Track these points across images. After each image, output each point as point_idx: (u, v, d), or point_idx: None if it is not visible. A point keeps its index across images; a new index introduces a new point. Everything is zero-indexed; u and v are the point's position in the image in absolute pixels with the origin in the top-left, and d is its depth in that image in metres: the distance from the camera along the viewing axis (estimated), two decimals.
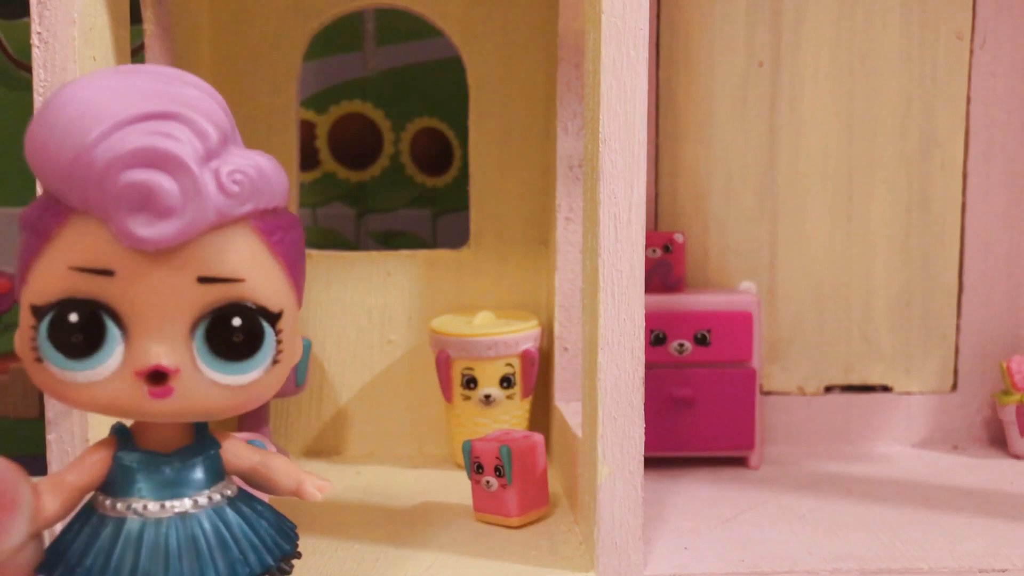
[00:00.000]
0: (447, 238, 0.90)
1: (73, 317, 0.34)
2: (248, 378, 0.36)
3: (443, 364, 0.67)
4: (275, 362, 0.36)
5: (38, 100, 0.48)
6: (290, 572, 0.39)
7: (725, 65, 0.73)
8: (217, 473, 0.38)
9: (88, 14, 0.49)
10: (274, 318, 0.36)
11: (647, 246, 0.66)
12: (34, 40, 0.48)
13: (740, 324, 0.67)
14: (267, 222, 0.36)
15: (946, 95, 0.74)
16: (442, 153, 0.90)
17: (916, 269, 0.75)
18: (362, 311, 0.72)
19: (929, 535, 0.56)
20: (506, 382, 0.67)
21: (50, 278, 0.34)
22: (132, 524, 0.36)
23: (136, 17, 0.57)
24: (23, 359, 0.35)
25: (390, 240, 0.90)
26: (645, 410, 0.50)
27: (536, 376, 0.69)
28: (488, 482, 0.57)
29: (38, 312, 0.34)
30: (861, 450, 0.73)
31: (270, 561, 0.38)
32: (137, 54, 0.67)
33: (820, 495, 0.63)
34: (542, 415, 0.72)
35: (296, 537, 0.40)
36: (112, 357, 0.35)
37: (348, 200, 0.90)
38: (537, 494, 0.58)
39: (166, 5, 0.65)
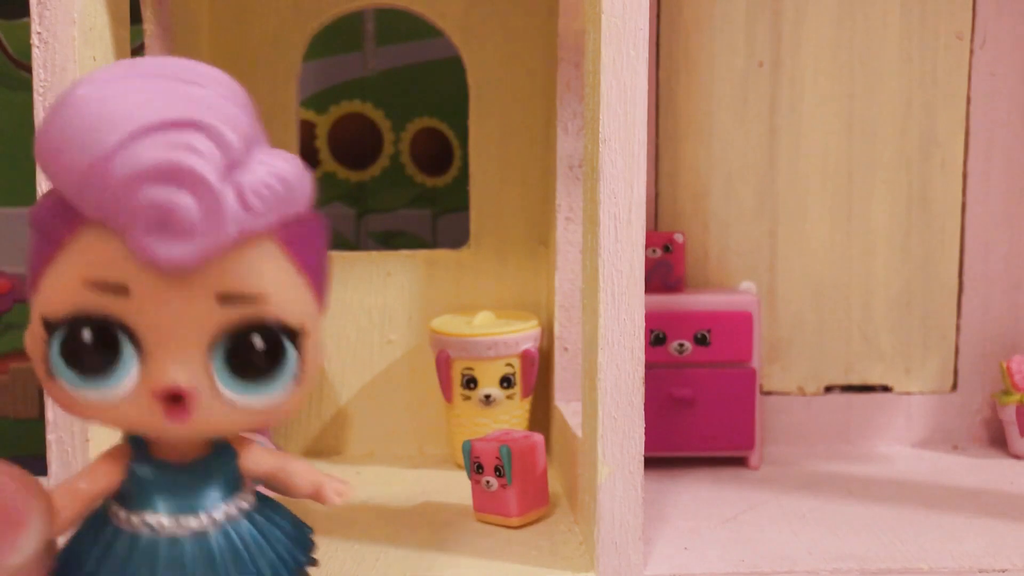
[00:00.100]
0: (447, 238, 0.90)
1: (86, 335, 0.33)
2: (268, 399, 0.34)
3: (443, 364, 0.67)
4: (298, 381, 0.35)
5: (38, 100, 0.48)
6: None
7: (725, 65, 0.73)
8: (234, 484, 0.37)
9: (88, 14, 0.49)
10: (296, 335, 0.34)
11: (647, 246, 0.66)
12: (34, 40, 0.48)
13: (740, 324, 0.67)
14: (290, 231, 0.34)
15: (946, 95, 0.74)
16: (442, 153, 0.90)
17: (916, 269, 0.75)
18: (362, 311, 0.72)
19: (929, 535, 0.56)
20: (506, 382, 0.67)
21: (62, 291, 0.33)
22: (147, 539, 0.35)
23: (136, 17, 0.57)
24: (36, 371, 0.34)
25: (390, 240, 0.90)
26: (645, 410, 0.50)
27: (536, 376, 0.69)
28: (488, 482, 0.57)
29: (50, 326, 0.33)
30: (861, 450, 0.73)
31: (286, 575, 0.37)
32: (137, 54, 0.66)
33: (820, 495, 0.63)
34: (542, 415, 0.72)
35: (312, 544, 0.39)
36: (127, 377, 0.33)
37: (348, 200, 0.90)
38: (537, 494, 0.58)
39: (166, 5, 0.65)
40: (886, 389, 0.75)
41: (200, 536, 0.36)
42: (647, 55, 0.49)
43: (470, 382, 0.67)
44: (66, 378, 0.33)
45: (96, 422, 0.35)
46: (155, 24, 0.64)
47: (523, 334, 0.67)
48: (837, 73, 0.73)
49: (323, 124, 0.89)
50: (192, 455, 0.36)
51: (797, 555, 0.53)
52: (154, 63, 0.33)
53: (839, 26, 0.73)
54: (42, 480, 0.35)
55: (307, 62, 0.81)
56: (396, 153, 0.90)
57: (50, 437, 0.49)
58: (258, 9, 0.71)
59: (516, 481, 0.56)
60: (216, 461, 0.37)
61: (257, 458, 0.38)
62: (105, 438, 0.51)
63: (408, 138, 0.90)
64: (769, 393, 0.74)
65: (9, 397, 0.85)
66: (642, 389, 0.50)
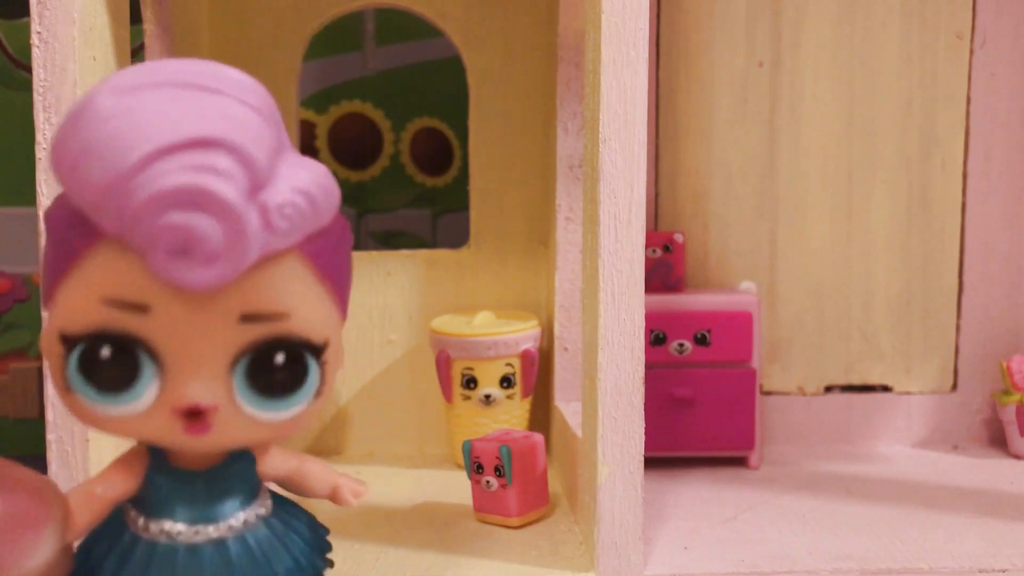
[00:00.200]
0: (447, 238, 0.90)
1: (105, 352, 0.32)
2: (289, 414, 0.34)
3: (443, 364, 0.67)
4: (318, 393, 0.34)
5: (38, 100, 0.48)
6: None
7: (725, 65, 0.73)
8: (252, 490, 0.37)
9: (88, 14, 0.49)
10: (319, 350, 0.34)
11: (647, 246, 0.66)
12: (34, 40, 0.48)
13: (740, 324, 0.67)
14: (316, 245, 0.33)
15: (946, 95, 0.74)
16: (442, 153, 0.90)
17: (916, 269, 0.75)
18: (362, 311, 0.72)
19: (929, 535, 0.56)
20: (506, 382, 0.67)
21: (81, 307, 0.32)
22: (164, 548, 0.35)
23: (136, 17, 0.57)
24: (53, 382, 0.34)
25: (390, 240, 0.90)
26: (645, 410, 0.50)
27: (536, 376, 0.69)
28: (488, 482, 0.57)
29: (67, 342, 0.32)
30: (861, 450, 0.73)
31: None
32: (137, 54, 0.67)
33: (820, 495, 0.63)
34: (542, 415, 0.72)
35: (329, 547, 0.39)
36: (147, 394, 0.33)
37: (348, 200, 0.89)
38: (537, 494, 0.58)
39: (166, 5, 0.65)
40: (886, 389, 0.75)
41: (218, 544, 0.35)
42: (647, 55, 0.49)
43: (470, 382, 0.67)
44: (84, 393, 0.33)
45: (113, 434, 0.34)
46: (155, 24, 0.64)
47: (523, 334, 0.67)
48: (837, 73, 0.73)
49: (323, 124, 0.89)
50: (210, 462, 0.36)
51: (797, 555, 0.53)
52: (175, 67, 0.32)
53: (839, 26, 0.73)
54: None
55: (307, 62, 0.81)
56: (396, 153, 0.90)
57: (50, 437, 0.49)
58: (258, 9, 0.71)
59: (516, 481, 0.56)
60: (234, 468, 0.36)
61: (275, 462, 0.38)
62: (105, 440, 0.51)
63: (408, 138, 0.90)
64: (769, 393, 0.74)
65: (9, 397, 0.85)
66: (642, 389, 0.50)
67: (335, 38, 0.87)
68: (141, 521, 0.36)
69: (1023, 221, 0.75)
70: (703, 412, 0.68)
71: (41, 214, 0.48)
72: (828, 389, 0.75)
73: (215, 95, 0.31)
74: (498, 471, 0.56)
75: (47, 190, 0.48)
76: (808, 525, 0.57)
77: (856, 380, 0.75)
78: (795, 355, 0.75)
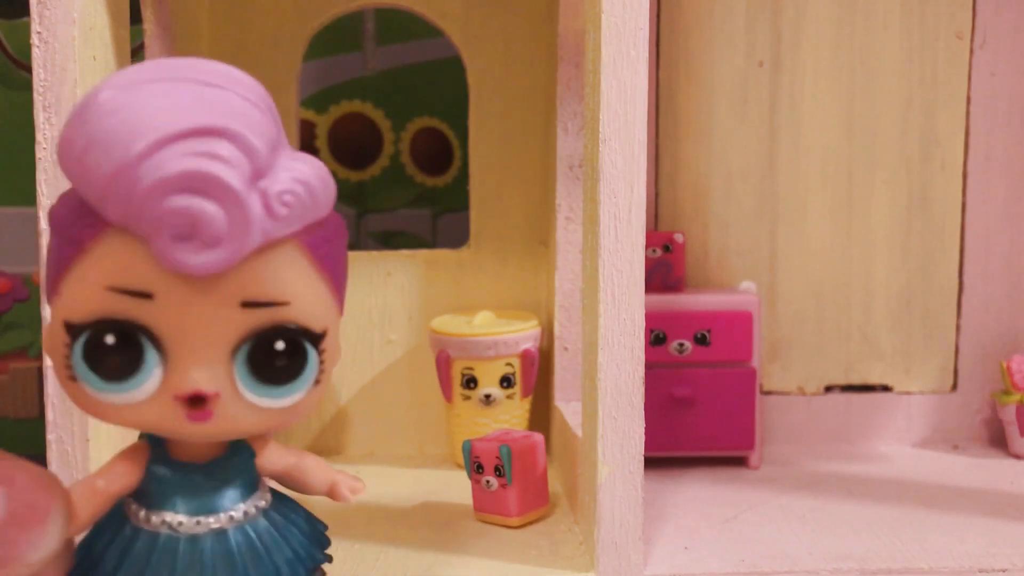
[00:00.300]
0: (447, 238, 0.90)
1: (110, 339, 0.33)
2: (289, 401, 0.35)
3: (443, 364, 0.67)
4: (317, 382, 0.35)
5: (38, 100, 0.48)
6: None
7: (725, 65, 0.73)
8: (252, 483, 0.38)
9: (88, 14, 0.49)
10: (318, 338, 0.34)
11: (647, 246, 0.66)
12: (34, 40, 0.48)
13: (740, 324, 0.67)
14: (314, 236, 0.34)
15: (946, 95, 0.74)
16: (442, 153, 0.90)
17: (916, 269, 0.75)
18: (362, 311, 0.72)
19: (929, 535, 0.56)
20: (506, 382, 0.67)
21: (85, 296, 0.33)
22: (166, 539, 0.35)
23: (136, 17, 0.57)
24: (56, 373, 0.34)
25: (390, 240, 0.90)
26: (645, 410, 0.50)
27: (536, 376, 0.69)
28: (488, 482, 0.57)
29: (72, 330, 0.33)
30: (861, 450, 0.73)
31: (303, 573, 0.37)
32: (137, 54, 0.67)
33: (820, 495, 0.63)
34: (542, 415, 0.72)
35: (328, 542, 0.40)
36: (150, 380, 0.33)
37: (348, 200, 0.90)
38: (537, 494, 0.58)
39: (166, 5, 0.65)
40: (886, 389, 0.75)
41: (219, 535, 0.36)
42: (647, 55, 0.49)
43: (470, 382, 0.67)
44: (88, 381, 0.33)
45: (116, 423, 0.35)
46: (155, 24, 0.64)
47: (523, 334, 0.67)
48: (837, 73, 0.73)
49: (323, 124, 0.89)
50: (210, 455, 0.37)
51: (797, 555, 0.53)
52: (177, 65, 0.33)
53: (839, 26, 0.73)
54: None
55: (307, 62, 0.81)
56: (396, 153, 0.90)
57: (50, 437, 0.49)
58: (258, 9, 0.71)
59: (516, 481, 0.56)
60: (234, 461, 0.37)
61: (274, 457, 0.38)
62: (105, 439, 0.51)
63: (408, 138, 0.90)
64: (769, 393, 0.74)
65: (9, 397, 0.85)
66: (642, 389, 0.50)
67: (335, 38, 0.87)
68: (142, 513, 0.36)
69: (1023, 221, 0.75)
70: (703, 412, 0.68)
71: (41, 214, 0.48)
72: (828, 389, 0.75)
73: (216, 89, 0.32)
74: (498, 471, 0.56)
75: (47, 190, 0.48)
76: (808, 525, 0.57)
77: (856, 380, 0.75)
78: (795, 355, 0.75)
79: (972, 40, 0.73)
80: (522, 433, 0.58)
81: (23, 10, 0.84)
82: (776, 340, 0.74)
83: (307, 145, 0.88)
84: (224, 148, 0.31)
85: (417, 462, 0.71)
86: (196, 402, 0.34)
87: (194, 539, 0.36)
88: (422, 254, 0.73)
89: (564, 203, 0.69)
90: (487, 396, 0.67)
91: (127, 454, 0.37)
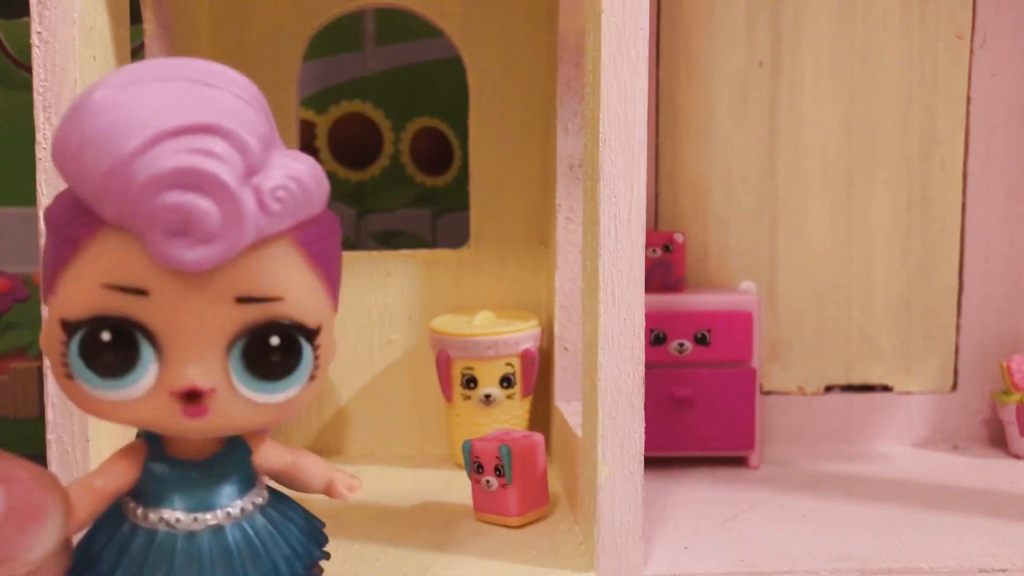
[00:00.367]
0: (447, 238, 0.90)
1: (105, 336, 0.33)
2: (284, 396, 0.35)
3: (443, 364, 0.67)
4: (312, 378, 0.35)
5: (38, 100, 0.48)
6: None
7: (725, 65, 0.73)
8: (249, 480, 0.38)
9: (88, 14, 0.49)
10: (312, 334, 0.35)
11: (647, 246, 0.66)
12: (34, 40, 0.48)
13: (740, 324, 0.67)
14: (307, 232, 0.34)
15: (946, 95, 0.74)
16: (442, 153, 0.90)
17: (916, 269, 0.75)
18: (362, 311, 0.72)
19: (929, 535, 0.56)
20: (506, 382, 0.67)
21: (81, 293, 0.33)
22: (163, 536, 0.36)
23: (136, 17, 0.57)
24: (53, 371, 0.34)
25: (390, 240, 0.90)
26: (645, 410, 0.50)
27: (536, 376, 0.69)
28: (488, 482, 0.57)
29: (68, 328, 0.33)
30: (861, 450, 0.73)
31: (301, 570, 0.38)
32: (137, 54, 0.67)
33: (820, 495, 0.63)
34: (542, 415, 0.72)
35: (325, 539, 0.40)
36: (146, 377, 0.33)
37: (348, 200, 0.90)
38: (537, 494, 0.58)
39: (166, 5, 0.65)
40: (886, 389, 0.75)
41: (216, 531, 0.36)
42: (647, 55, 0.49)
43: (470, 382, 0.67)
44: (85, 378, 0.34)
45: (113, 421, 0.35)
46: (155, 24, 0.64)
47: (523, 334, 0.67)
48: (837, 73, 0.73)
49: (323, 124, 0.89)
50: (207, 452, 0.37)
51: (797, 555, 0.53)
52: (171, 64, 0.33)
53: (839, 26, 0.73)
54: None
55: (307, 62, 0.81)
56: (396, 153, 0.90)
57: (50, 437, 0.49)
58: (258, 9, 0.71)
59: (516, 481, 0.56)
60: (231, 458, 0.37)
61: (270, 454, 0.39)
62: (105, 439, 0.51)
63: (408, 138, 0.90)
64: (769, 393, 0.74)
65: (9, 397, 0.85)
66: (642, 389, 0.50)
67: (335, 38, 0.87)
68: (140, 511, 0.36)
69: (1023, 221, 0.75)
70: (703, 412, 0.68)
71: (41, 214, 0.48)
72: (828, 389, 0.75)
73: (209, 87, 0.33)
74: (498, 471, 0.56)
75: (47, 190, 0.48)
76: (808, 525, 0.57)
77: (856, 380, 0.75)
78: (795, 355, 0.75)
79: (972, 40, 0.73)
80: (522, 433, 0.58)
81: (23, 10, 0.84)
82: (776, 340, 0.74)
83: (307, 145, 0.88)
84: (217, 145, 0.31)
85: (417, 462, 0.71)
86: (192, 398, 0.34)
87: (192, 536, 0.36)
88: (422, 254, 0.73)
89: (564, 203, 0.69)
90: (487, 396, 0.67)
91: (124, 452, 0.37)
